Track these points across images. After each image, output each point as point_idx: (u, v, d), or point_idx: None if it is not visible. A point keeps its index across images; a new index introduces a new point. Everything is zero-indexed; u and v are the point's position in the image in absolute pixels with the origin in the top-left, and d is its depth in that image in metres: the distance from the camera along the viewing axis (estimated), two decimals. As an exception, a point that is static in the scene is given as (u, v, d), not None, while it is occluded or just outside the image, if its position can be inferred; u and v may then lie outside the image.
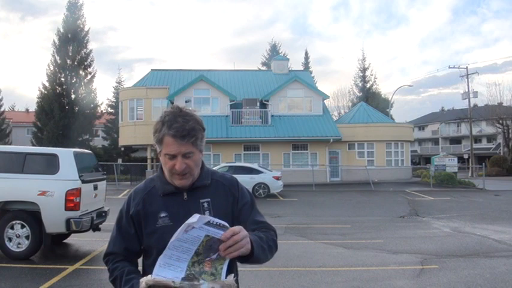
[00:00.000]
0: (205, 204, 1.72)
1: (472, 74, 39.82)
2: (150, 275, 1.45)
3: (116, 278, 1.69)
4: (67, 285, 5.85)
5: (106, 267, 1.78)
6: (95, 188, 8.06)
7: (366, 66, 54.06)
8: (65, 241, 8.72)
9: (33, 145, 32.57)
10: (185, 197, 1.72)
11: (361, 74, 53.88)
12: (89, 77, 36.89)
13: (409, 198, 18.48)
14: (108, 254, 1.78)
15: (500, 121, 42.41)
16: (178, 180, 1.69)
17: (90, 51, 37.16)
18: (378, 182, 25.42)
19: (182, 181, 1.69)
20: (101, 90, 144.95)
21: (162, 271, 1.45)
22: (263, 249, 1.64)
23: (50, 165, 7.34)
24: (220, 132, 26.53)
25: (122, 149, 35.89)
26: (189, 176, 1.69)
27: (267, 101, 28.46)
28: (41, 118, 35.04)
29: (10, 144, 37.28)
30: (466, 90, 39.79)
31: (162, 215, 1.69)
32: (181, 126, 1.64)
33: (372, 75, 54.23)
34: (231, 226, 1.53)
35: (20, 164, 7.35)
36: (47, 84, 35.29)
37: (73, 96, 35.44)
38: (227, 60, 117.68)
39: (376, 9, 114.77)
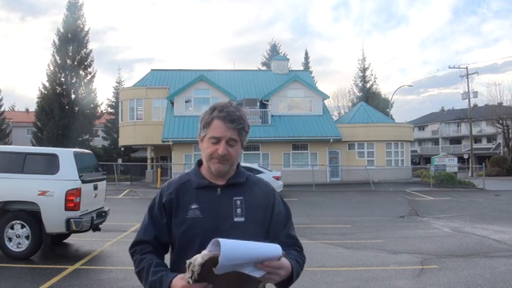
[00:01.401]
0: (238, 202, 1.73)
1: (472, 74, 39.87)
2: (204, 250, 1.38)
3: (143, 269, 1.67)
4: (67, 285, 5.84)
5: (132, 259, 1.75)
6: (95, 188, 8.06)
7: (366, 66, 54.13)
8: (65, 241, 8.71)
9: (33, 145, 32.56)
10: (219, 192, 1.73)
11: (361, 74, 53.90)
12: (89, 77, 36.91)
13: (409, 198, 18.48)
14: (138, 242, 1.76)
15: (500, 121, 42.41)
16: (215, 164, 1.69)
17: (90, 51, 37.21)
18: (378, 182, 25.40)
19: (219, 165, 1.69)
20: (101, 90, 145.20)
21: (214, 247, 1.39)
22: (297, 276, 1.65)
23: (50, 165, 7.34)
24: (220, 132, 26.47)
25: (122, 149, 35.89)
26: (228, 163, 1.70)
27: (267, 101, 28.46)
28: (41, 118, 35.04)
29: (10, 144, 37.28)
30: (466, 90, 39.84)
31: (193, 206, 1.70)
32: (232, 112, 1.69)
33: (372, 75, 54.29)
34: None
35: (20, 164, 7.35)
36: (47, 84, 35.30)
37: (73, 96, 35.44)
38: (227, 60, 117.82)
39: (376, 9, 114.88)
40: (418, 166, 41.86)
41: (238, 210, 1.71)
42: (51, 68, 35.36)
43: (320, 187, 23.14)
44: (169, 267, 1.72)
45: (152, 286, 1.60)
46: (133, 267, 1.73)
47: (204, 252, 1.38)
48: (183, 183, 1.78)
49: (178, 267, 1.65)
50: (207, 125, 1.71)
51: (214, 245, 1.38)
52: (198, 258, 1.37)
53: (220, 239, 1.36)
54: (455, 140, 62.36)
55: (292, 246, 1.78)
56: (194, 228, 1.66)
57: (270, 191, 1.84)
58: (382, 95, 54.38)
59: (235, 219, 1.70)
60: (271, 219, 1.79)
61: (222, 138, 1.67)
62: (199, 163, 1.84)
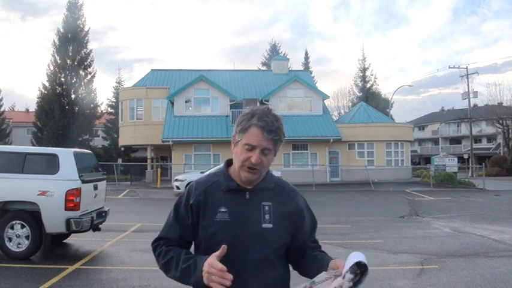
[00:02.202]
0: (266, 208, 1.72)
1: (472, 74, 39.88)
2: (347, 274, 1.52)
3: (172, 259, 1.67)
4: (67, 285, 5.84)
5: (154, 253, 1.75)
6: (95, 188, 8.06)
7: (366, 66, 54.16)
8: (65, 241, 8.71)
9: (33, 145, 32.56)
10: (247, 196, 1.72)
11: (361, 74, 53.92)
12: (89, 77, 36.92)
13: (409, 198, 18.48)
14: (161, 238, 1.75)
15: (500, 121, 42.41)
16: (246, 173, 1.68)
17: (90, 51, 37.23)
18: (378, 182, 25.40)
19: (249, 174, 1.68)
20: (101, 90, 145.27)
21: None
22: None
23: (50, 165, 7.34)
24: (220, 132, 26.52)
25: (122, 149, 35.90)
26: (258, 172, 1.69)
27: (267, 101, 28.45)
28: (41, 118, 35.05)
29: (10, 144, 37.28)
30: (466, 90, 39.86)
31: (222, 209, 1.68)
32: (271, 121, 1.66)
33: (372, 75, 54.32)
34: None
35: (20, 164, 7.34)
36: (47, 84, 35.31)
37: (73, 96, 35.44)
38: (227, 60, 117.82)
39: (376, 9, 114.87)
40: (418, 166, 41.87)
41: (267, 216, 1.70)
42: (51, 68, 35.38)
43: (320, 187, 23.14)
44: None
45: (185, 271, 1.61)
46: (158, 260, 1.73)
47: (349, 276, 1.52)
48: (211, 184, 1.76)
49: None
50: (243, 130, 1.67)
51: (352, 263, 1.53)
52: (344, 285, 1.50)
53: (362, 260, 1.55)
54: (455, 140, 62.37)
55: (317, 249, 1.86)
56: (221, 232, 1.65)
57: (298, 198, 1.84)
58: (382, 95, 54.45)
59: (264, 225, 1.69)
60: (299, 227, 1.80)
61: (257, 147, 1.64)
62: (228, 163, 1.82)
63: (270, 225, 1.70)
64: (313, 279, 1.57)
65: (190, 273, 1.59)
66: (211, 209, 1.69)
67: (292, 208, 1.79)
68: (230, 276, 1.47)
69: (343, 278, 1.50)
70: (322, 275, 1.56)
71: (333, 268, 1.59)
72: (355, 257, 1.54)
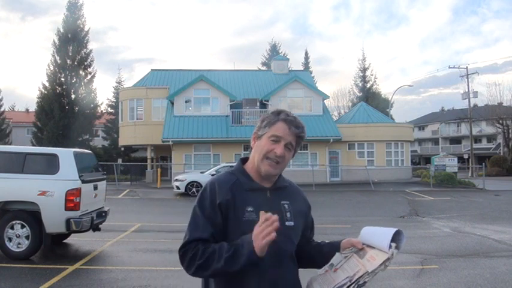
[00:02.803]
0: (286, 206, 1.76)
1: (472, 74, 39.88)
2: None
3: (214, 252, 1.58)
4: (67, 285, 5.84)
5: (184, 259, 1.63)
6: (95, 188, 8.06)
7: (366, 66, 54.15)
8: (65, 241, 8.71)
9: (33, 145, 32.57)
10: (268, 195, 1.75)
11: (361, 74, 53.91)
12: (89, 77, 36.92)
13: (409, 198, 18.48)
14: (193, 240, 1.63)
15: (500, 121, 42.41)
16: (267, 166, 1.70)
17: (90, 51, 37.23)
18: (378, 182, 25.40)
19: (271, 168, 1.71)
20: (101, 90, 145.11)
21: None
22: None
23: (50, 165, 7.34)
24: (220, 132, 26.52)
25: (122, 149, 35.90)
26: (279, 166, 1.72)
27: (267, 101, 28.46)
28: (41, 118, 35.05)
29: (10, 144, 37.28)
30: (466, 90, 39.86)
31: (249, 209, 1.68)
32: (298, 120, 1.75)
33: (372, 75, 54.32)
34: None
35: (20, 164, 7.34)
36: (47, 84, 35.31)
37: (73, 96, 35.45)
38: (227, 60, 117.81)
39: (376, 9, 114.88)
40: (418, 166, 41.86)
41: (288, 215, 1.74)
42: (51, 68, 35.38)
43: (320, 187, 23.13)
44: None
45: (233, 255, 1.54)
46: (192, 263, 1.60)
47: (394, 245, 1.51)
48: (234, 183, 1.74)
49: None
50: (270, 124, 1.72)
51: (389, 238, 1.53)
52: (394, 253, 1.50)
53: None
54: (455, 140, 62.37)
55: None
56: (250, 232, 1.59)
57: (305, 197, 1.92)
58: (382, 95, 54.45)
59: (287, 223, 1.72)
60: (307, 225, 1.88)
61: (282, 139, 1.69)
62: (243, 161, 1.83)
63: (292, 223, 1.74)
64: (330, 262, 1.60)
65: (240, 253, 1.54)
66: (239, 209, 1.68)
67: (304, 206, 1.86)
68: (275, 217, 1.49)
69: (390, 248, 1.51)
70: (338, 256, 1.60)
71: (347, 247, 1.64)
72: (382, 230, 1.58)
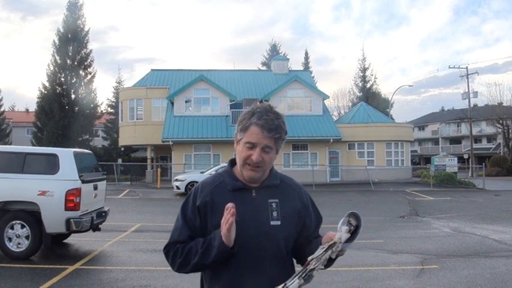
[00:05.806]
0: (274, 205, 1.73)
1: (472, 74, 39.89)
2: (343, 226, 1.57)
3: (191, 249, 1.68)
4: (67, 285, 5.84)
5: (168, 257, 1.75)
6: (95, 188, 8.06)
7: (366, 66, 54.13)
8: (65, 241, 8.71)
9: (33, 145, 32.57)
10: (254, 194, 1.73)
11: (362, 74, 53.89)
12: (89, 77, 36.93)
13: (409, 198, 18.48)
14: (173, 242, 1.75)
15: (500, 121, 42.38)
16: (248, 171, 1.69)
17: (90, 51, 37.25)
18: (378, 182, 25.40)
19: (252, 173, 1.69)
20: (101, 90, 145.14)
21: None
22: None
23: (50, 165, 7.34)
24: (220, 132, 26.52)
25: (122, 149, 35.88)
26: (261, 170, 1.70)
27: (267, 101, 28.34)
28: (41, 118, 35.05)
29: (10, 144, 37.27)
30: (466, 90, 39.83)
31: None
32: (271, 120, 1.67)
33: (372, 75, 54.28)
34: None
35: (20, 164, 7.34)
36: (47, 84, 35.32)
37: (73, 96, 35.46)
38: (227, 60, 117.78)
39: (377, 9, 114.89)
40: (418, 166, 41.87)
41: (274, 214, 1.71)
42: (51, 68, 35.38)
43: (320, 187, 23.14)
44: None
45: (206, 248, 1.63)
46: (174, 260, 1.71)
47: (344, 228, 1.55)
48: (217, 184, 1.76)
49: (214, 268, 1.69)
50: (244, 129, 1.69)
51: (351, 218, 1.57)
52: (342, 236, 1.53)
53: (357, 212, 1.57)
54: (455, 140, 62.36)
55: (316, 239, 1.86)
56: None
57: (303, 194, 1.86)
58: (382, 95, 54.48)
59: (272, 222, 1.70)
60: (305, 223, 1.82)
61: (257, 144, 1.65)
62: (232, 163, 1.83)
63: (278, 223, 1.71)
64: (311, 256, 1.61)
65: (212, 245, 1.61)
66: (219, 210, 1.67)
67: (298, 204, 1.80)
68: (231, 204, 1.54)
69: (339, 231, 1.55)
70: (319, 250, 1.60)
71: (326, 241, 1.63)
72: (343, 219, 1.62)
